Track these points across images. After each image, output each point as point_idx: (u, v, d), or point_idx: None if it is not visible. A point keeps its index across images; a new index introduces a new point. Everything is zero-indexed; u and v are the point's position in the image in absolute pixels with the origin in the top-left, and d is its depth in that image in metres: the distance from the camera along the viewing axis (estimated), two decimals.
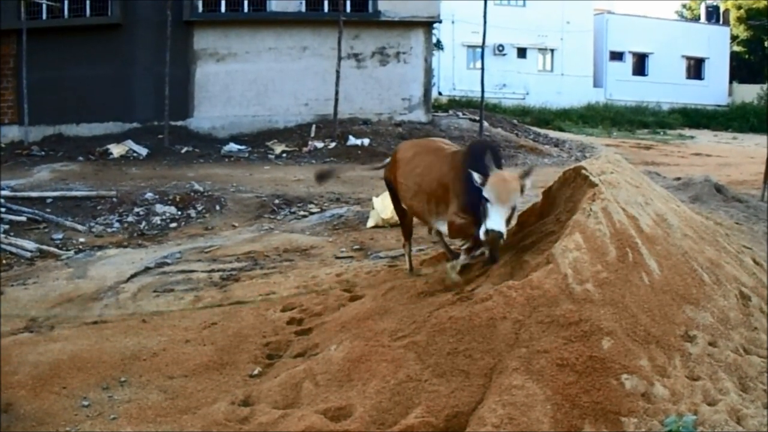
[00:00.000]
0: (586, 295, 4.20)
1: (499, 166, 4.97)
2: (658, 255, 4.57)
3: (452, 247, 6.27)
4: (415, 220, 6.41)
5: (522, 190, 4.82)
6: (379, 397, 4.03)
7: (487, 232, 4.66)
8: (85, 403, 4.74)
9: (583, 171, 5.06)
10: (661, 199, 5.36)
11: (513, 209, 4.85)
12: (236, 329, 5.91)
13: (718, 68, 41.59)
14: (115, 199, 11.40)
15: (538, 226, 5.35)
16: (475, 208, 4.91)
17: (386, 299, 5.25)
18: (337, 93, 17.42)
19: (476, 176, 4.74)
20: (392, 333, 4.50)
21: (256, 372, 5.10)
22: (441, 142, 6.18)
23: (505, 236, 4.73)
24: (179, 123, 17.77)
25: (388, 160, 6.52)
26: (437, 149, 5.82)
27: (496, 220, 4.66)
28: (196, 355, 5.44)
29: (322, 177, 7.51)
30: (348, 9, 18.71)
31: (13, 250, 8.96)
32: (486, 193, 4.69)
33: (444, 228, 5.49)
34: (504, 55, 36.74)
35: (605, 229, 4.50)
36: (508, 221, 4.87)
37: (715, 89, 40.77)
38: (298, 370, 4.53)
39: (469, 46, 36.04)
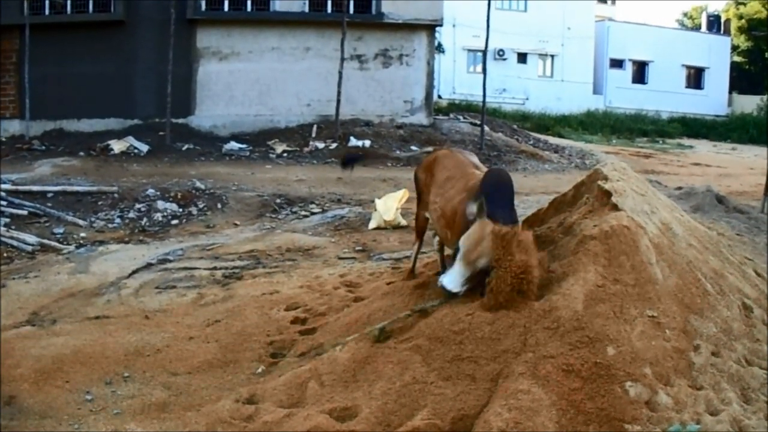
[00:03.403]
0: (592, 302, 4.22)
1: (511, 204, 4.53)
2: (664, 264, 4.58)
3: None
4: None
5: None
6: (385, 398, 4.05)
7: (440, 284, 4.33)
8: (89, 397, 4.75)
9: (600, 182, 5.03)
10: (665, 208, 5.37)
11: (480, 271, 4.28)
12: (240, 327, 5.92)
13: (718, 78, 41.65)
14: (116, 195, 11.41)
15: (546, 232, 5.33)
16: None
17: (391, 300, 5.26)
18: (339, 94, 17.44)
19: (471, 208, 4.38)
20: (397, 335, 4.51)
21: (259, 370, 5.11)
22: (473, 166, 5.37)
23: (456, 294, 4.32)
24: (180, 120, 17.76)
25: (428, 150, 6.03)
26: (467, 175, 5.16)
27: (449, 275, 4.32)
28: (199, 352, 5.45)
29: (349, 161, 6.59)
30: (351, 10, 18.72)
31: (15, 243, 8.98)
32: (461, 242, 4.29)
33: None
34: (504, 59, 36.78)
35: (616, 238, 4.52)
36: (470, 279, 4.36)
37: (714, 99, 40.83)
38: (303, 369, 4.54)
39: (469, 50, 36.09)
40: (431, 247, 6.51)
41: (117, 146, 16.11)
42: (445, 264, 6.00)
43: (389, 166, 15.58)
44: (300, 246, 9.07)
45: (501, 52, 36.22)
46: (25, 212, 10.20)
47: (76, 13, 17.83)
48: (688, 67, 41.70)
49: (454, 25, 33.63)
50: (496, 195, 4.43)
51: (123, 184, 12.21)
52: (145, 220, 10.55)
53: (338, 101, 17.46)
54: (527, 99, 36.55)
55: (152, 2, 17.76)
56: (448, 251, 6.20)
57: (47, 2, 17.59)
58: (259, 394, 4.48)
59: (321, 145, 17.22)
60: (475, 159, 5.58)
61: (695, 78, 42.10)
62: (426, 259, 6.57)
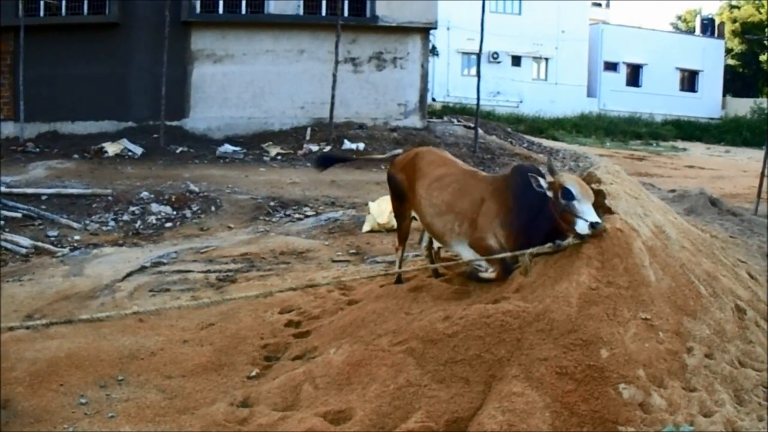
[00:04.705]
0: (586, 305, 4.24)
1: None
2: (657, 266, 4.59)
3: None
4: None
5: None
6: (379, 401, 4.05)
7: (593, 225, 4.47)
8: (83, 401, 4.74)
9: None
10: (659, 210, 5.38)
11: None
12: (234, 330, 5.91)
13: (712, 81, 41.77)
14: (110, 198, 11.41)
15: None
16: (522, 228, 4.88)
17: (385, 303, 5.26)
18: (333, 97, 17.44)
19: (542, 181, 4.72)
20: (391, 338, 4.51)
21: (253, 373, 5.11)
22: (462, 163, 5.88)
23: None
24: (175, 123, 17.76)
25: (396, 152, 6.21)
26: (472, 172, 5.56)
27: (592, 214, 4.54)
28: (194, 355, 5.45)
29: (325, 161, 6.79)
30: (346, 13, 18.73)
31: (9, 246, 8.96)
32: (570, 187, 4.57)
33: (459, 248, 5.31)
34: (498, 62, 36.86)
35: (609, 241, 4.53)
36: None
37: (708, 102, 40.97)
38: (297, 372, 4.54)
39: (463, 53, 36.09)
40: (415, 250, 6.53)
41: (111, 149, 16.09)
42: (435, 264, 6.05)
43: (383, 168, 15.57)
44: (294, 249, 9.06)
45: (495, 55, 36.27)
46: (19, 215, 10.19)
47: (70, 15, 17.84)
48: (682, 70, 41.82)
49: (448, 28, 33.67)
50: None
51: (117, 186, 12.20)
52: (139, 222, 10.55)
53: (332, 104, 17.45)
54: (521, 102, 36.62)
55: (147, 4, 17.72)
56: (444, 253, 6.25)
57: (42, 4, 17.57)
58: (253, 396, 4.48)
59: (315, 147, 17.19)
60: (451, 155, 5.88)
61: (689, 81, 42.23)
62: (420, 262, 6.57)
